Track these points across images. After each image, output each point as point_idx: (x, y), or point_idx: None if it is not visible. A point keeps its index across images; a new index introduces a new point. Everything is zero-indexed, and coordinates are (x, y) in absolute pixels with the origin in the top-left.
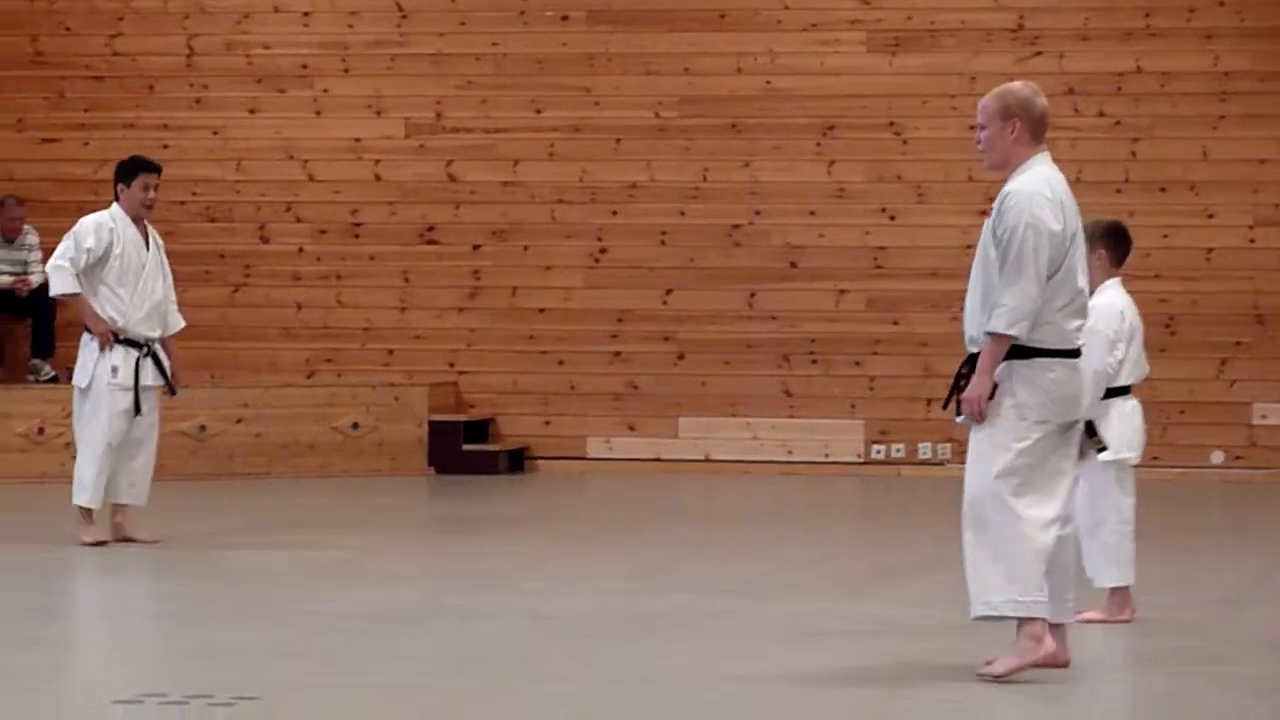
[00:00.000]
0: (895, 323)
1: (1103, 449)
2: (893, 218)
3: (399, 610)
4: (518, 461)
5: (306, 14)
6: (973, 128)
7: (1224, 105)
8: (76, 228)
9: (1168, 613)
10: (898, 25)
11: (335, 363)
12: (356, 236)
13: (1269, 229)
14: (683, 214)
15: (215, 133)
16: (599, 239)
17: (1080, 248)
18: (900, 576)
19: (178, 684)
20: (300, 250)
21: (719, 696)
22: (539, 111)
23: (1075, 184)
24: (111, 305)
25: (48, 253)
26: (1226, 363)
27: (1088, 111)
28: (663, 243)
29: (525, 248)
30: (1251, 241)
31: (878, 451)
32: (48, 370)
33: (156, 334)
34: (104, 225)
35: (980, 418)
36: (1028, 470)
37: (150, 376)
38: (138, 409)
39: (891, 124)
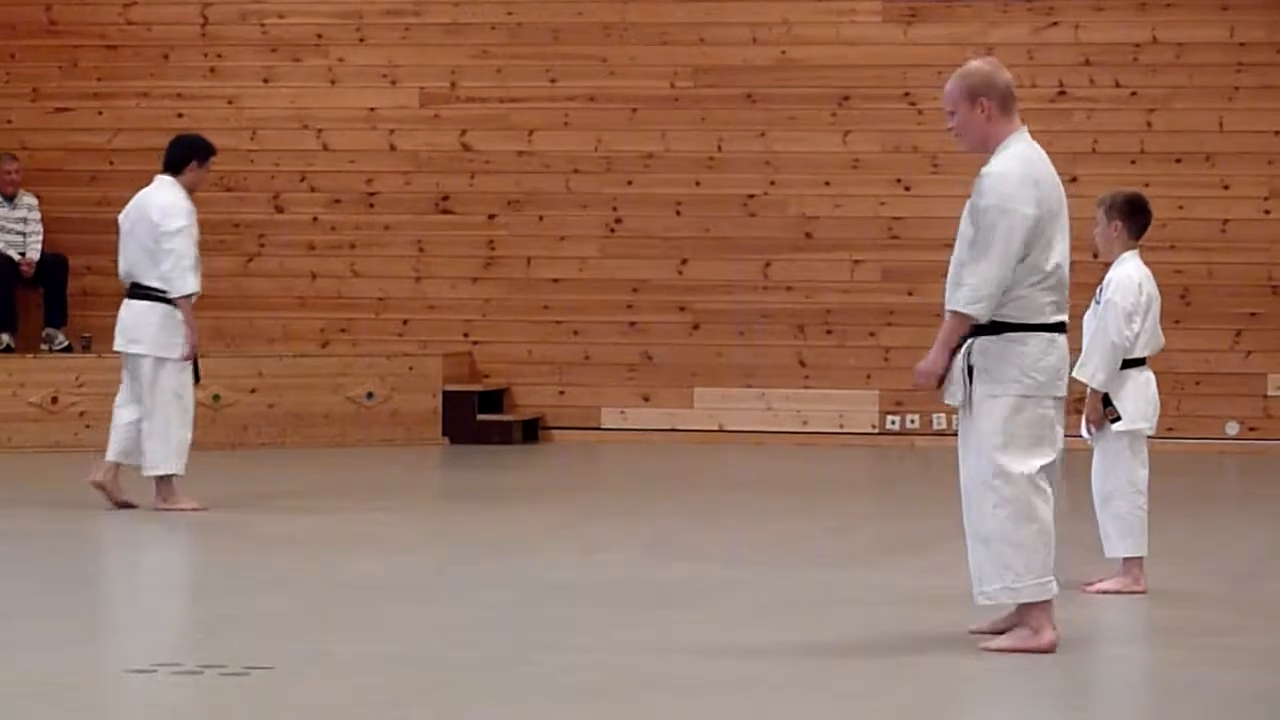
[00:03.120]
0: (910, 293)
1: (1117, 419)
2: (908, 188)
3: (412, 580)
4: (532, 432)
5: None
6: (951, 113)
7: (1240, 76)
8: (177, 223)
9: (1181, 584)
10: None
11: (350, 332)
12: (371, 206)
13: None
14: (698, 184)
15: (230, 102)
16: (614, 209)
17: (1063, 225)
18: (915, 547)
19: (191, 654)
20: (315, 220)
21: (734, 665)
22: (554, 81)
23: (1091, 155)
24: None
25: (48, 219)
26: (1241, 334)
27: (1104, 82)
28: (678, 213)
29: (540, 218)
30: (1267, 213)
31: (892, 422)
32: (61, 339)
33: None
34: (190, 208)
35: (936, 386)
36: (1016, 447)
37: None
38: (197, 378)
39: (907, 94)
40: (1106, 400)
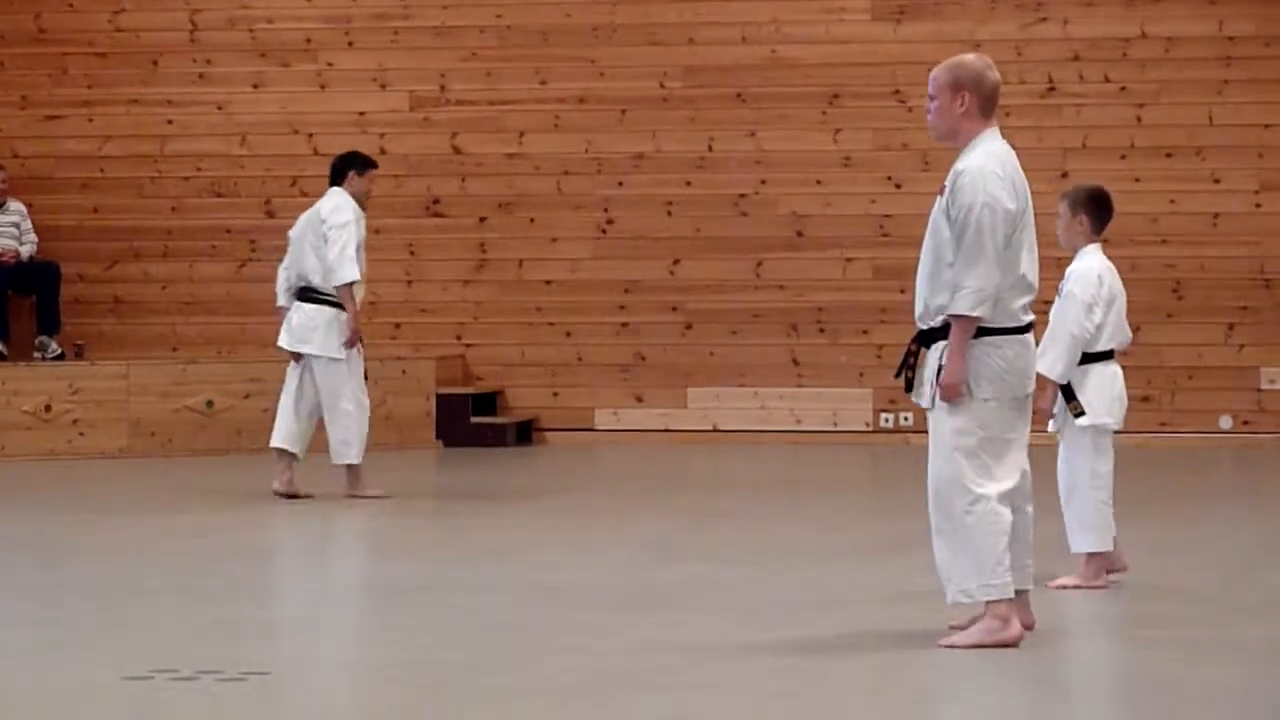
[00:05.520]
0: (902, 291)
1: (1081, 414)
2: (899, 186)
3: (407, 583)
4: (526, 434)
5: None
6: (932, 98)
7: (1229, 70)
8: (342, 216)
9: (1170, 578)
10: None
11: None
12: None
13: (1275, 193)
14: (689, 184)
15: (220, 108)
16: (605, 210)
17: (1029, 226)
18: (909, 545)
19: (188, 659)
20: None
21: (730, 666)
22: (544, 83)
23: (1081, 150)
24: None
25: (40, 227)
26: (1234, 327)
27: (1093, 77)
28: (669, 213)
29: (531, 219)
30: (1258, 206)
31: (886, 420)
32: (54, 347)
33: None
34: (357, 210)
35: (958, 399)
36: (987, 449)
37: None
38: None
39: (897, 92)
40: (1070, 394)
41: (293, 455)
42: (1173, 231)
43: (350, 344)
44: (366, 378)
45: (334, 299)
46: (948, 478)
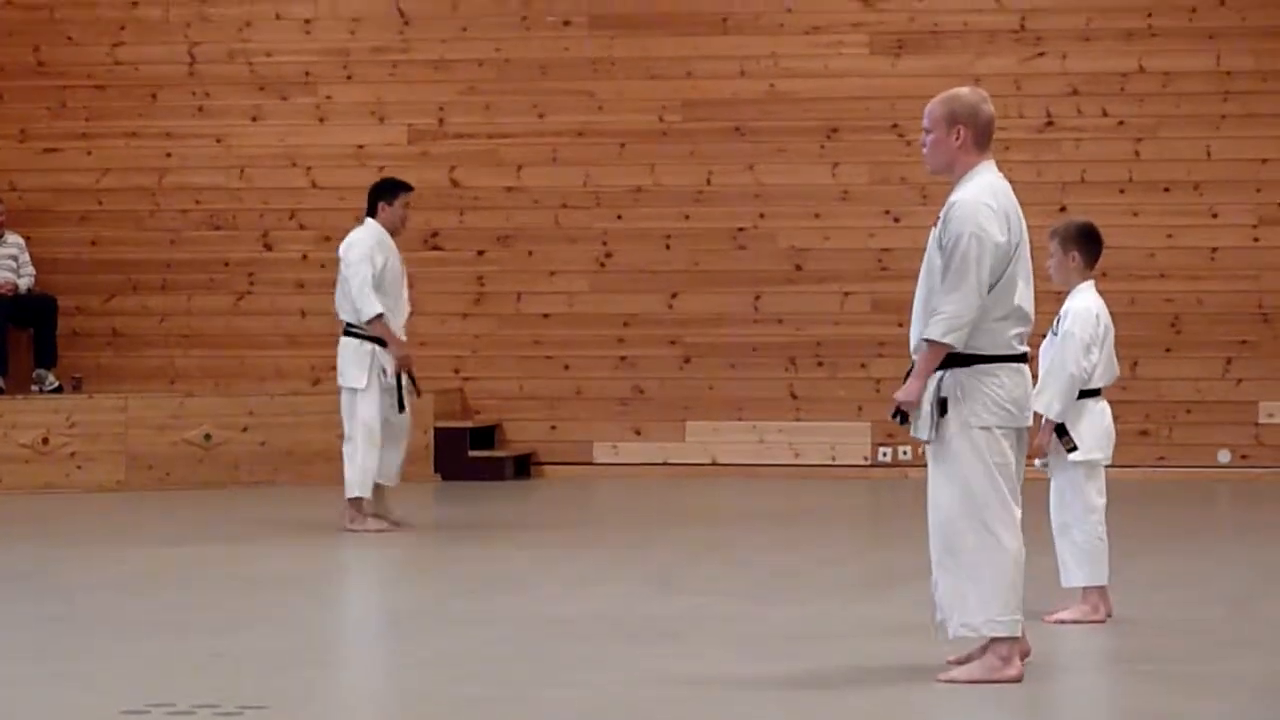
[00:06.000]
0: (900, 324)
1: (1073, 449)
2: (897, 219)
3: (406, 615)
4: (524, 467)
5: (308, 21)
6: (927, 131)
7: (1227, 104)
8: (355, 253)
9: (1166, 611)
10: (900, 27)
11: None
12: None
13: (1273, 228)
14: (687, 217)
15: (218, 140)
16: (604, 243)
17: (1025, 258)
18: (908, 579)
19: (185, 693)
20: (304, 257)
21: (730, 699)
22: (542, 116)
23: (1080, 184)
24: None
25: (38, 260)
26: (1232, 362)
27: (1091, 112)
28: (667, 246)
29: (529, 253)
30: (1256, 240)
31: (884, 454)
32: (51, 380)
33: (405, 338)
34: (381, 240)
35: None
36: (991, 480)
37: (405, 377)
38: (401, 406)
39: (895, 126)
40: (1063, 430)
41: (382, 487)
42: (1171, 266)
43: (400, 370)
44: (401, 409)
45: (362, 332)
46: (952, 514)
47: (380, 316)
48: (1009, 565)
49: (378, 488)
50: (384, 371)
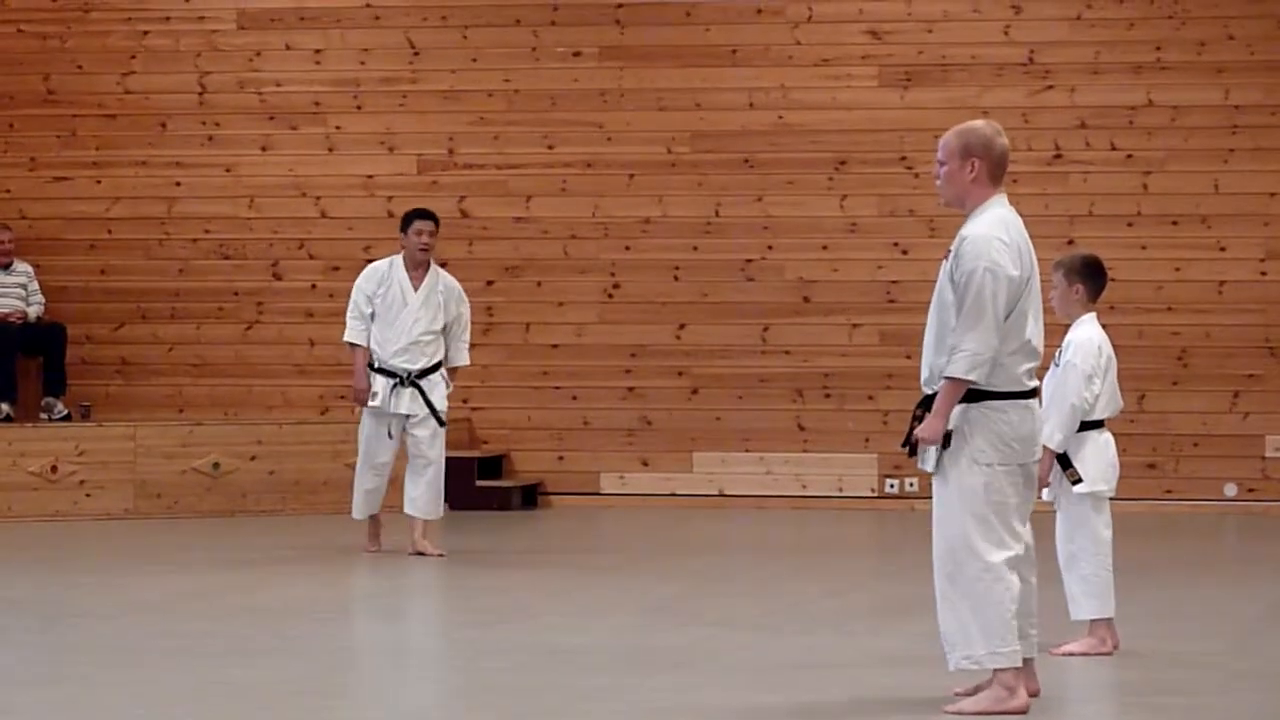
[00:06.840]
0: (908, 356)
1: (1078, 481)
2: (905, 252)
3: (413, 645)
4: (531, 498)
5: (318, 51)
6: (941, 163)
7: (1235, 138)
8: (357, 279)
9: (1172, 644)
10: (909, 60)
11: (349, 399)
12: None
13: None
14: (695, 249)
15: (228, 170)
16: (612, 274)
17: (1035, 292)
18: (915, 611)
19: None
20: (313, 287)
21: None
22: (551, 147)
23: (1088, 217)
24: (373, 338)
25: (47, 289)
26: (1239, 395)
27: (1099, 145)
28: (676, 278)
29: (538, 283)
30: (1263, 274)
31: (891, 486)
32: (60, 408)
33: (416, 366)
34: (378, 269)
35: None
36: (993, 515)
37: (405, 405)
38: (389, 433)
39: (903, 158)
40: (1067, 462)
41: (410, 516)
42: (1178, 299)
43: (355, 400)
44: (390, 435)
45: (372, 358)
46: (955, 545)
47: (354, 345)
48: (1011, 599)
49: (413, 521)
50: (374, 395)
